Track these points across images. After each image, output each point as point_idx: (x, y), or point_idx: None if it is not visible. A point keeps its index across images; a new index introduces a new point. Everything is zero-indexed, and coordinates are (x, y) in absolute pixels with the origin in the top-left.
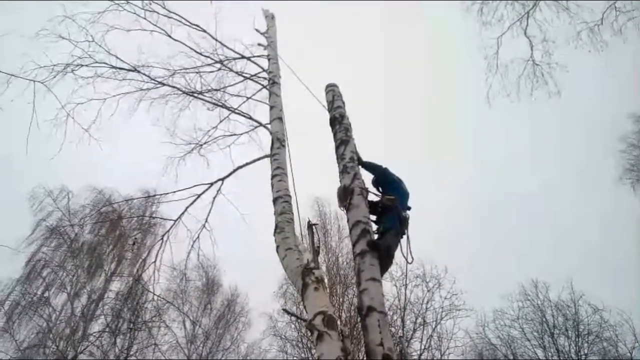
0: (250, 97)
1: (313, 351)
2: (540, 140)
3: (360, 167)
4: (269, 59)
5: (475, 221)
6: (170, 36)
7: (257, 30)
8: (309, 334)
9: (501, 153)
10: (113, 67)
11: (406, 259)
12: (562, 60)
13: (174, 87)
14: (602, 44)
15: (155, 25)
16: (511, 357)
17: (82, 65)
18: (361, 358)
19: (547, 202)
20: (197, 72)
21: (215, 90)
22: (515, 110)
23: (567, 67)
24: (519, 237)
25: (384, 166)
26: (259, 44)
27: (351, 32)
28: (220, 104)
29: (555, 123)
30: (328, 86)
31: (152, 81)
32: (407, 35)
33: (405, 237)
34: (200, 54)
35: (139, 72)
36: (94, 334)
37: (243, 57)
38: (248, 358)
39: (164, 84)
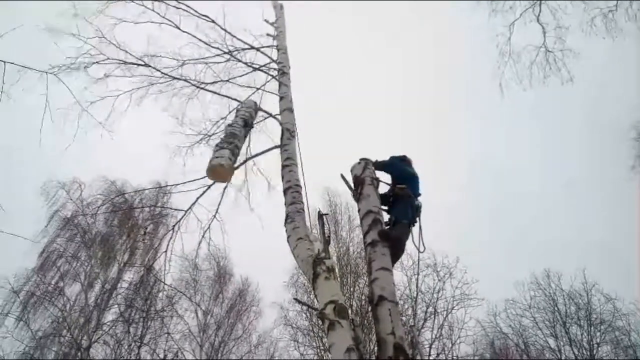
0: (259, 88)
1: (324, 340)
2: (551, 129)
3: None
4: (277, 49)
5: (487, 215)
6: (178, 27)
7: (266, 20)
8: (320, 323)
9: (514, 146)
10: (124, 62)
11: (417, 248)
12: (575, 47)
13: (183, 79)
14: (616, 30)
15: (163, 17)
16: (522, 346)
17: (94, 63)
18: (372, 347)
19: (559, 192)
20: (205, 63)
21: (224, 81)
22: (525, 100)
23: (579, 54)
24: (532, 230)
25: (388, 159)
26: (268, 34)
27: (352, 30)
28: (228, 97)
29: (567, 112)
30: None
31: (162, 74)
32: (414, 33)
33: (418, 225)
34: (209, 44)
35: (149, 66)
36: (108, 323)
37: (252, 47)
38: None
39: (174, 77)
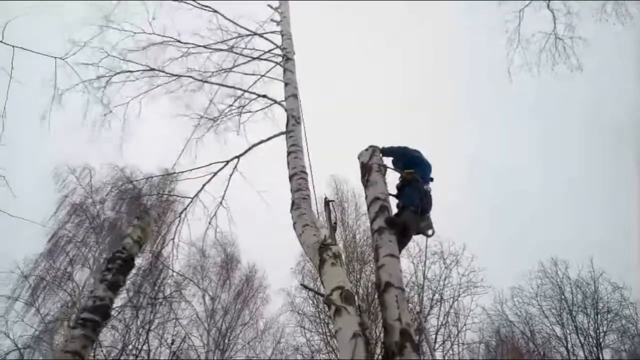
0: (264, 75)
1: (330, 326)
2: (551, 128)
3: (381, 155)
4: (282, 35)
5: (486, 214)
6: (179, 40)
7: (269, 5)
8: (327, 309)
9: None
10: (130, 71)
11: (425, 234)
12: (585, 35)
13: (188, 76)
14: (627, 16)
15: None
16: (529, 334)
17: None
18: (378, 333)
19: (559, 192)
20: (210, 52)
21: (229, 70)
22: (525, 99)
23: (589, 42)
24: (532, 230)
25: (402, 145)
26: (272, 20)
27: (355, 20)
28: (234, 87)
29: (567, 111)
30: None
31: (166, 74)
32: (414, 31)
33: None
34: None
35: (153, 69)
36: (116, 308)
37: (256, 34)
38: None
39: (179, 76)
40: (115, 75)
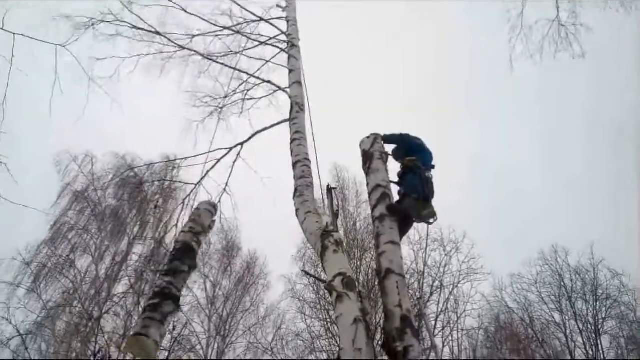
0: (268, 61)
1: (331, 312)
2: (552, 127)
3: (383, 142)
4: (287, 21)
5: (487, 214)
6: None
7: None
8: (327, 296)
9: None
10: (134, 27)
11: (428, 222)
12: (589, 22)
13: (193, 50)
14: (632, 3)
15: None
16: (528, 320)
17: (103, 21)
18: (379, 319)
19: (560, 191)
20: (215, 36)
21: (234, 53)
22: (525, 97)
23: (592, 30)
24: (532, 229)
25: (404, 132)
26: (278, 6)
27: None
28: (238, 69)
29: (568, 109)
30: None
31: (172, 44)
32: (415, 31)
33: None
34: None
35: (159, 34)
36: (118, 295)
37: (262, 19)
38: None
39: (183, 48)
40: (116, 21)
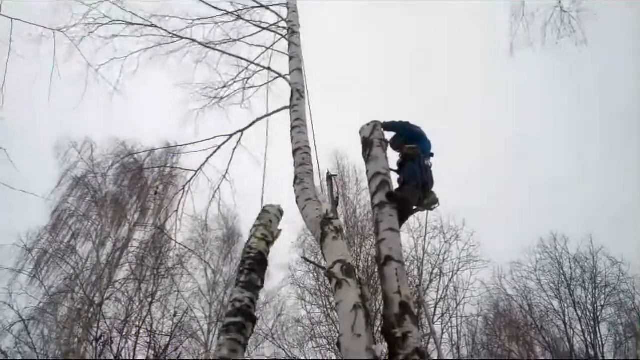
0: (269, 48)
1: (331, 299)
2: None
3: (383, 129)
4: (287, 7)
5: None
6: None
7: None
8: (328, 283)
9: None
10: (130, 23)
11: (429, 209)
12: (592, 7)
13: (191, 39)
14: None
15: None
16: (527, 308)
17: (100, 25)
18: (378, 306)
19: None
20: (214, 23)
21: (234, 40)
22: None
23: (595, 15)
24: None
25: (404, 120)
26: None
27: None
28: (238, 56)
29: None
30: None
31: (169, 34)
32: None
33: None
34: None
35: (155, 26)
36: (120, 281)
37: (261, 5)
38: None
39: (182, 37)
40: (111, 22)
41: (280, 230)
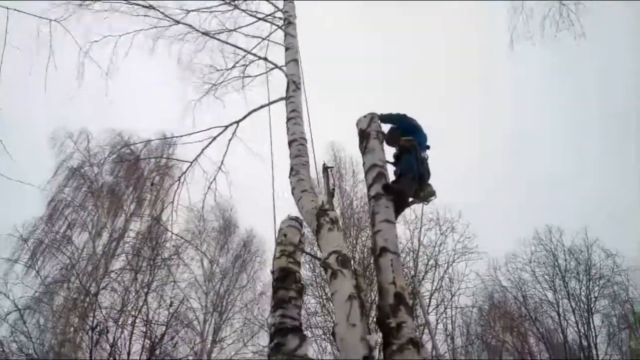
0: (265, 38)
1: (326, 290)
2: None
3: (380, 121)
4: None
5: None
6: None
7: None
8: (323, 273)
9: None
10: (128, 1)
11: (426, 202)
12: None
13: (188, 25)
14: None
15: None
16: (521, 299)
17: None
18: (374, 297)
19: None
20: (210, 12)
21: (230, 30)
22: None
23: (595, 10)
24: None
25: (401, 113)
26: None
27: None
28: (235, 45)
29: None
30: None
31: (167, 18)
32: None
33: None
34: None
35: (154, 8)
36: (116, 271)
37: None
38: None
39: (178, 22)
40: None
41: (303, 235)
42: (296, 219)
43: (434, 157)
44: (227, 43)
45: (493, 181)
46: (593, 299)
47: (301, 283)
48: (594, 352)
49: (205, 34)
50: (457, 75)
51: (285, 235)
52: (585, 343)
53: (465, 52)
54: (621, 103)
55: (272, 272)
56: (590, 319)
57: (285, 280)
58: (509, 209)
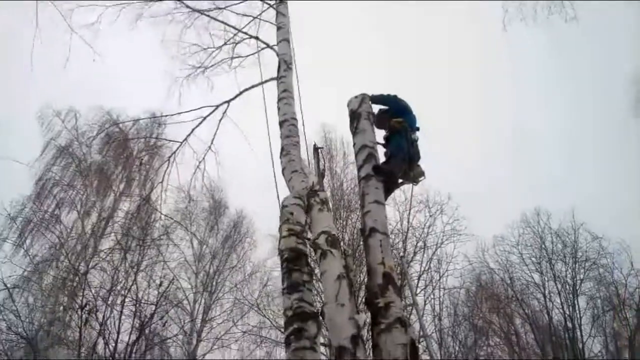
0: (256, 17)
1: (316, 270)
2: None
3: (371, 102)
4: None
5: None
6: None
7: None
8: (313, 254)
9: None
10: None
11: (416, 182)
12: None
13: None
14: None
15: None
16: (508, 281)
17: None
18: (362, 278)
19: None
20: None
21: (220, 9)
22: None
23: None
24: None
25: (392, 94)
26: None
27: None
28: (226, 23)
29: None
30: None
31: None
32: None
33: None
34: None
35: None
36: (105, 251)
37: None
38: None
39: None
40: None
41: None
42: (300, 197)
43: (439, 150)
44: (218, 20)
45: (491, 179)
46: (578, 281)
47: (311, 266)
48: (579, 333)
49: (196, 10)
50: (457, 72)
51: (291, 213)
52: (570, 324)
53: (463, 51)
54: (620, 101)
55: (281, 252)
56: (576, 301)
57: (297, 261)
58: (507, 205)
